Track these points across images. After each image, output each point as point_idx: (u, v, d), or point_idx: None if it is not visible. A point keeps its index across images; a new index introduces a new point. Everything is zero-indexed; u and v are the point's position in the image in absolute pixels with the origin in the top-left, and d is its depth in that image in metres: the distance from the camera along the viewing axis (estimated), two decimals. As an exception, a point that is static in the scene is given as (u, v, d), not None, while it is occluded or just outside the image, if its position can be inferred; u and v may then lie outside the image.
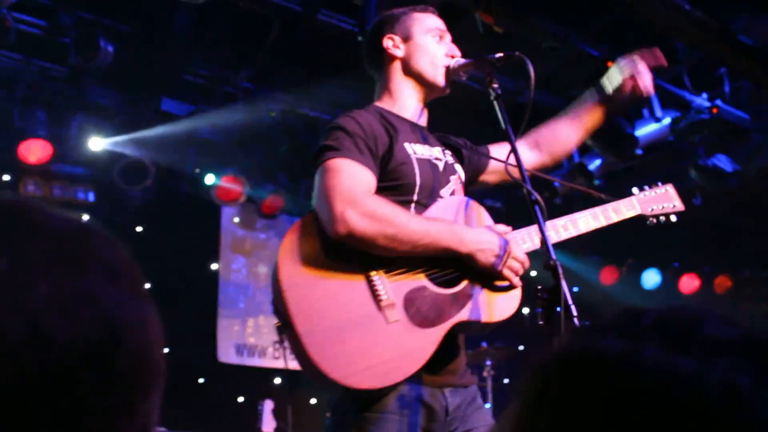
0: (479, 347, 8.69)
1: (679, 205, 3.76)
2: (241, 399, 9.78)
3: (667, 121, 7.91)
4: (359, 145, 3.03)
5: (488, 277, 3.06)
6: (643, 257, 11.61)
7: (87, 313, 0.83)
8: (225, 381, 9.72)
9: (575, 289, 11.74)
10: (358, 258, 2.94)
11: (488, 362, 8.71)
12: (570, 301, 2.54)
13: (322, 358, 2.77)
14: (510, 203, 9.52)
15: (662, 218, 3.70)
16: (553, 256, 2.65)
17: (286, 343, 2.92)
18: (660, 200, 3.71)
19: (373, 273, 2.94)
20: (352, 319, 2.85)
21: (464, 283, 3.07)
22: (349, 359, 2.79)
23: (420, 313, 2.95)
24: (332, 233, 2.88)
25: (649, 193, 3.70)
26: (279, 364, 10.06)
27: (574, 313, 2.53)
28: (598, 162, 8.70)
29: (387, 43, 3.38)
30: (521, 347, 9.43)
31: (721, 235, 10.54)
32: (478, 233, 3.04)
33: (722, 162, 8.15)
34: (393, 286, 2.95)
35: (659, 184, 3.77)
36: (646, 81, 3.39)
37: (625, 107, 3.42)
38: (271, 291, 2.94)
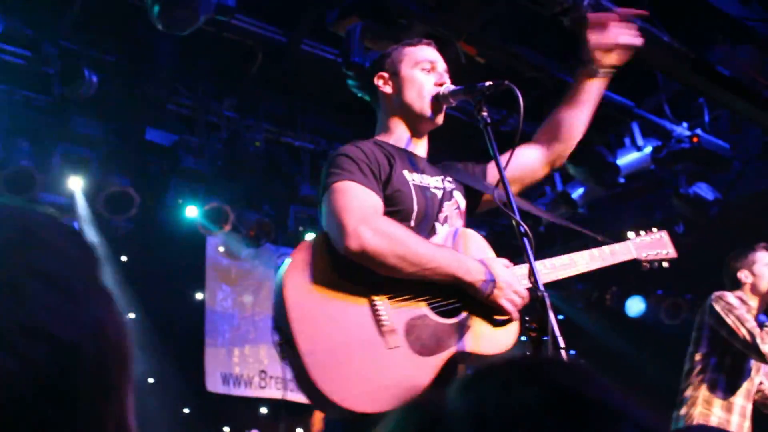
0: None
1: (672, 253, 3.82)
2: (227, 429, 9.71)
3: (648, 150, 7.97)
4: (364, 170, 3.07)
5: (488, 309, 3.07)
6: (626, 285, 11.61)
7: (32, 343, 0.80)
8: (210, 411, 9.66)
9: (560, 317, 11.74)
10: (364, 281, 2.95)
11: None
12: (557, 332, 2.55)
13: (323, 379, 2.77)
14: (493, 233, 9.54)
15: (655, 264, 3.75)
16: (541, 287, 2.68)
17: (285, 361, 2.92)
18: (654, 246, 3.76)
19: (376, 297, 2.95)
20: (353, 341, 2.86)
21: (464, 314, 3.08)
22: (348, 381, 2.80)
23: (420, 341, 2.96)
24: (343, 249, 2.89)
25: (644, 238, 3.75)
26: (265, 393, 10.00)
27: (561, 344, 2.54)
28: (581, 190, 8.74)
29: (378, 81, 3.43)
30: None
31: (704, 263, 10.56)
32: (482, 264, 3.05)
33: (703, 190, 8.20)
34: (395, 312, 2.96)
35: (654, 230, 3.83)
36: (627, 39, 3.35)
37: (612, 62, 3.36)
38: (273, 308, 2.95)
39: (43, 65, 7.11)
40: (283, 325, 2.85)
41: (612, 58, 3.38)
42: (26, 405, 0.77)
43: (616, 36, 3.32)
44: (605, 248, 3.54)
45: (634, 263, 3.69)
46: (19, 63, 7.13)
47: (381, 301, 2.95)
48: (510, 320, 3.07)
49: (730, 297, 5.22)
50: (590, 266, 3.45)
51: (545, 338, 2.55)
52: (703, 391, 5.21)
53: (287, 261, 2.94)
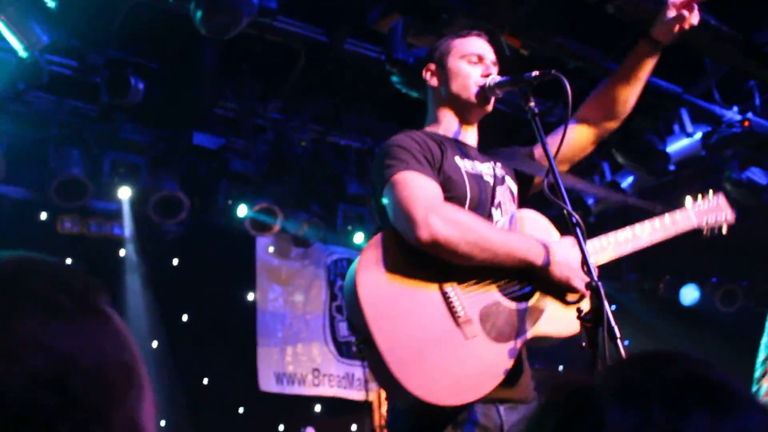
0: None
1: (730, 215, 3.74)
2: (281, 427, 9.77)
3: (698, 136, 7.85)
4: (419, 158, 3.08)
5: (560, 290, 3.06)
6: (680, 273, 11.48)
7: (32, 352, 0.90)
8: (265, 410, 9.72)
9: (613, 307, 11.65)
10: (433, 272, 2.95)
11: (528, 384, 8.60)
12: (613, 323, 2.52)
13: (405, 376, 2.77)
14: (555, 216, 9.46)
15: (715, 230, 3.68)
16: (595, 277, 2.65)
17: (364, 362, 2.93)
18: (713, 211, 3.69)
19: (447, 286, 2.95)
20: (431, 335, 2.86)
21: (536, 297, 3.08)
22: (431, 376, 2.80)
23: (496, 328, 2.95)
24: (414, 240, 2.89)
25: (702, 204, 3.68)
26: (318, 392, 10.05)
27: (617, 334, 2.51)
28: (630, 179, 8.65)
29: (426, 74, 3.45)
30: (560, 367, 9.34)
31: (759, 249, 10.40)
32: (554, 246, 3.04)
33: (756, 175, 8.07)
34: (468, 301, 2.95)
35: (710, 193, 3.74)
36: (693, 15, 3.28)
37: (671, 30, 3.30)
38: (347, 308, 2.96)
39: (90, 75, 7.20)
40: (360, 324, 2.85)
41: (674, 36, 3.32)
42: (31, 405, 0.87)
43: (691, 14, 3.26)
44: (666, 218, 3.49)
45: (695, 231, 3.62)
46: (66, 73, 7.23)
47: (453, 291, 2.94)
48: (582, 299, 3.02)
49: None
50: (653, 238, 3.41)
51: (600, 328, 2.53)
52: None
53: (357, 260, 2.94)
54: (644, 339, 11.42)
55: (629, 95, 3.44)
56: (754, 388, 5.15)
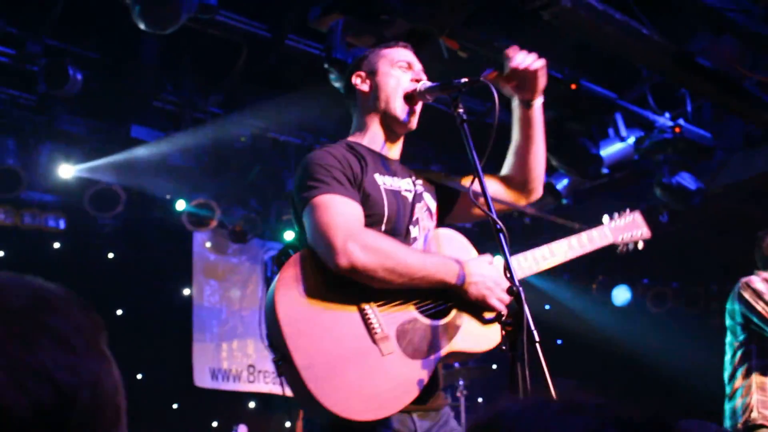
0: (452, 368, 8.72)
1: (646, 233, 3.89)
2: (215, 423, 9.76)
3: (631, 140, 8.02)
4: (339, 178, 3.09)
5: (477, 307, 3.13)
6: (612, 274, 11.71)
7: (39, 384, 0.95)
8: (199, 406, 9.70)
9: (546, 306, 11.82)
10: (351, 291, 2.99)
11: (461, 382, 8.72)
12: (533, 327, 2.60)
13: (322, 392, 2.81)
14: (482, 225, 9.58)
15: (631, 246, 3.81)
16: (516, 282, 2.72)
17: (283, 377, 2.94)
18: (629, 228, 3.83)
19: (366, 305, 2.99)
20: (348, 352, 2.90)
21: (453, 314, 3.14)
22: (347, 392, 2.84)
23: (412, 344, 3.01)
24: (333, 266, 2.93)
25: (619, 221, 3.81)
26: (253, 388, 10.06)
27: (537, 338, 2.59)
28: (565, 181, 8.79)
29: (355, 80, 3.46)
30: (494, 366, 9.45)
31: (688, 251, 10.67)
32: (470, 266, 3.10)
33: (686, 180, 8.27)
34: (385, 319, 3.00)
35: (627, 211, 3.88)
36: (523, 62, 3.31)
37: (530, 90, 3.36)
38: (266, 326, 2.97)
39: (27, 63, 7.12)
40: (278, 342, 2.89)
41: (532, 85, 3.37)
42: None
43: (519, 62, 3.30)
44: (583, 235, 3.60)
45: (611, 248, 3.76)
46: (3, 61, 7.14)
47: (371, 309, 2.99)
48: (500, 317, 3.06)
49: (757, 282, 5.15)
50: (569, 255, 3.52)
51: (521, 332, 2.60)
52: (755, 378, 5.12)
53: (276, 278, 2.98)
54: (577, 338, 11.64)
55: (535, 156, 3.52)
56: (727, 407, 5.23)
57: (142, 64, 7.62)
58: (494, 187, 3.51)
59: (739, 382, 5.16)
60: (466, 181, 3.54)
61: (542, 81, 3.37)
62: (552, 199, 8.81)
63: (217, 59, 7.73)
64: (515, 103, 3.45)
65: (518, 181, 3.58)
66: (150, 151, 8.16)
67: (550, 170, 8.98)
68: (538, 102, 3.44)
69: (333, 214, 2.99)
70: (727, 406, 5.22)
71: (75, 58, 7.14)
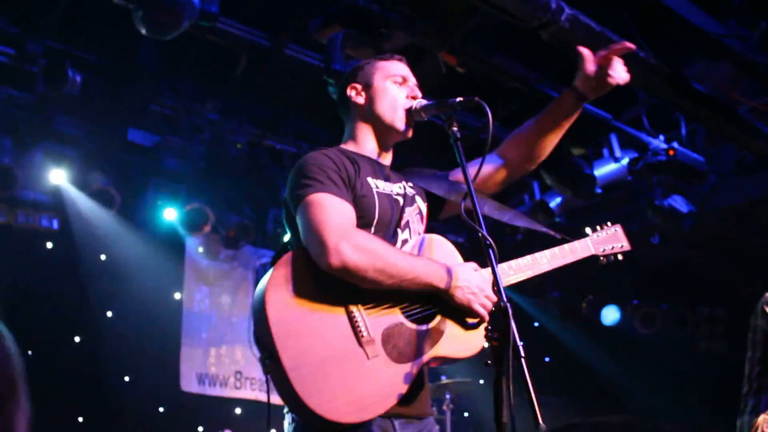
0: (439, 381, 8.74)
1: (626, 246, 3.93)
2: (201, 429, 9.75)
3: (625, 161, 8.09)
4: (334, 178, 3.13)
5: (460, 313, 3.16)
6: (602, 294, 11.74)
7: None
8: (185, 410, 9.69)
9: (535, 324, 11.85)
10: (342, 293, 3.01)
11: (448, 396, 8.74)
12: (519, 343, 2.61)
13: (307, 393, 2.83)
14: (473, 238, 9.61)
15: (611, 257, 3.86)
16: (504, 298, 2.73)
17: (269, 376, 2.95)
18: (610, 241, 3.88)
19: (353, 308, 3.01)
20: (335, 354, 2.92)
21: (437, 319, 3.16)
22: (332, 394, 2.86)
23: (397, 348, 3.03)
24: (324, 265, 2.95)
25: (600, 234, 3.87)
26: (240, 394, 10.07)
27: (522, 353, 2.60)
28: (558, 200, 8.86)
29: (350, 92, 3.49)
30: (481, 381, 9.47)
31: (678, 273, 10.71)
32: (457, 271, 3.13)
33: (678, 203, 8.32)
34: (372, 323, 3.02)
35: (609, 224, 3.93)
36: (617, 72, 3.41)
37: (596, 91, 3.43)
38: (255, 324, 2.98)
39: (27, 63, 7.14)
40: (266, 341, 2.90)
41: (601, 90, 3.45)
42: None
43: (614, 72, 3.39)
44: (566, 246, 3.64)
45: (592, 258, 3.80)
46: (2, 61, 7.15)
47: (358, 312, 3.01)
48: (482, 323, 3.15)
49: None
50: (552, 264, 3.55)
51: (506, 347, 2.60)
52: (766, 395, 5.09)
53: (266, 277, 2.99)
54: (564, 356, 11.67)
55: (548, 142, 3.58)
56: (738, 422, 5.22)
57: (141, 68, 7.64)
58: (491, 165, 3.59)
59: (751, 398, 5.11)
60: (455, 175, 3.60)
61: (608, 90, 3.45)
62: (544, 216, 8.87)
63: (216, 66, 7.75)
64: (568, 93, 3.48)
65: (525, 157, 3.62)
66: (145, 155, 8.17)
67: (543, 188, 9.04)
68: (587, 101, 3.51)
69: (326, 213, 3.02)
70: (737, 421, 5.20)
71: (75, 60, 7.16)
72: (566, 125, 3.55)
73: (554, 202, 8.90)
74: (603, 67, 3.38)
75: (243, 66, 7.49)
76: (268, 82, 7.85)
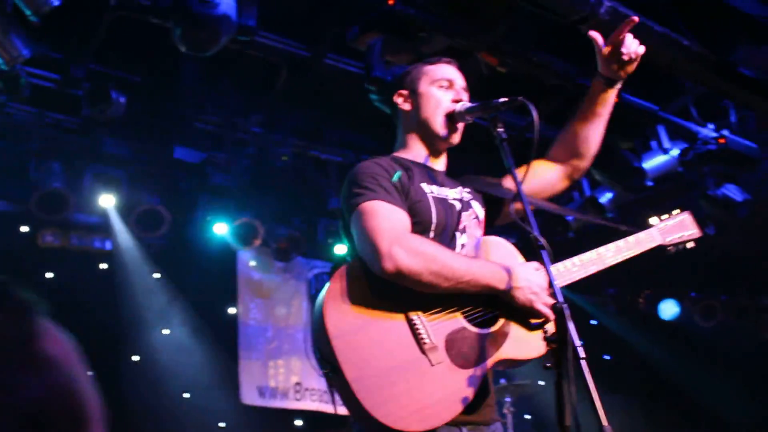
0: (498, 384, 8.67)
1: (696, 232, 3.83)
2: (262, 441, 9.79)
3: (675, 152, 7.94)
4: (386, 186, 3.14)
5: (523, 314, 3.12)
6: (659, 288, 11.55)
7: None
8: (246, 424, 9.72)
9: (593, 322, 11.69)
10: (399, 301, 3.01)
11: (508, 399, 8.65)
12: (578, 344, 2.57)
13: (373, 404, 2.83)
14: (525, 239, 9.48)
15: (680, 246, 3.76)
16: (560, 298, 2.70)
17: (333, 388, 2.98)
18: (678, 229, 3.78)
19: (413, 314, 3.01)
20: (398, 363, 2.92)
21: (501, 322, 3.15)
22: (398, 404, 2.85)
23: (461, 354, 3.02)
24: (379, 271, 2.96)
25: (667, 222, 3.78)
26: (300, 405, 10.07)
27: (582, 354, 2.56)
28: (609, 195, 8.73)
29: (398, 99, 3.52)
30: (541, 383, 9.37)
31: (737, 264, 10.50)
32: (517, 271, 3.09)
33: (732, 192, 8.15)
34: (434, 329, 3.01)
35: (676, 212, 3.85)
36: (629, 46, 3.35)
37: (620, 70, 3.39)
38: (315, 338, 3.00)
39: (71, 88, 7.25)
40: (327, 354, 2.91)
41: (623, 69, 3.41)
42: None
43: (626, 48, 3.34)
44: (630, 238, 3.58)
45: (659, 249, 3.71)
46: (48, 86, 7.27)
47: (418, 319, 3.00)
48: (546, 323, 3.08)
49: None
50: (617, 258, 3.50)
51: (565, 349, 2.58)
52: None
53: (324, 291, 2.99)
54: (624, 354, 11.50)
55: (592, 134, 3.54)
56: None
57: (183, 86, 7.71)
58: (543, 169, 3.57)
59: None
60: (507, 182, 3.58)
61: (633, 68, 3.41)
62: (595, 213, 8.74)
63: (258, 79, 7.78)
64: (596, 80, 3.47)
65: (574, 155, 3.59)
66: (192, 172, 8.23)
67: (593, 184, 8.91)
68: (618, 85, 3.47)
69: (379, 220, 3.03)
70: None
71: (117, 82, 7.24)
72: (605, 113, 3.52)
73: (605, 198, 8.77)
74: (616, 45, 3.34)
75: (284, 78, 7.51)
76: (309, 93, 7.87)
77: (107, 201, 8.31)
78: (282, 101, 8.07)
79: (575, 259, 3.36)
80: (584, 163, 3.63)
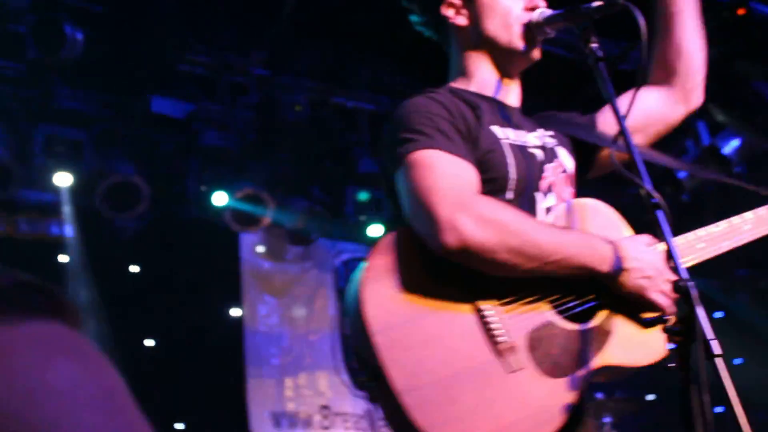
0: (594, 400, 8.65)
1: None
2: (281, 486, 9.84)
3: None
4: (445, 129, 3.05)
5: (633, 305, 3.03)
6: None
7: None
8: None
9: (719, 314, 11.60)
10: (465, 285, 2.94)
11: (607, 419, 8.64)
12: (709, 336, 2.45)
13: (430, 423, 2.74)
14: (621, 204, 9.41)
15: None
16: (685, 275, 2.59)
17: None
18: None
19: (483, 304, 2.92)
20: (463, 369, 2.85)
21: (602, 315, 3.06)
22: (464, 424, 2.78)
23: (550, 357, 2.94)
24: (438, 246, 2.86)
25: None
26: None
27: (716, 351, 2.43)
28: (735, 143, 8.61)
29: (447, 11, 3.39)
30: (650, 397, 9.33)
31: None
32: (624, 248, 3.00)
33: None
34: (512, 323, 2.93)
35: None
36: None
37: None
38: (352, 335, 2.94)
39: (11, 22, 7.22)
40: (366, 355, 2.83)
41: None
42: None
43: None
44: None
45: None
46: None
47: (491, 309, 2.92)
48: (664, 318, 2.99)
49: None
50: (758, 231, 3.42)
51: (693, 343, 2.48)
52: None
53: (361, 269, 2.91)
54: (761, 353, 11.40)
55: (682, 36, 3.44)
56: None
57: (162, 18, 7.68)
58: (649, 96, 3.45)
59: None
60: (601, 119, 3.50)
61: None
62: (718, 167, 8.62)
63: (259, 7, 7.73)
64: None
65: (676, 74, 3.49)
66: (177, 130, 8.22)
67: (714, 129, 8.78)
68: None
69: (437, 176, 2.93)
70: None
71: (73, 13, 7.23)
72: (688, 8, 3.43)
73: (729, 147, 8.66)
74: None
75: (293, 2, 7.45)
76: (327, 20, 7.81)
77: (64, 173, 8.27)
78: (292, 34, 8.02)
79: (699, 232, 3.26)
80: (695, 79, 3.51)
